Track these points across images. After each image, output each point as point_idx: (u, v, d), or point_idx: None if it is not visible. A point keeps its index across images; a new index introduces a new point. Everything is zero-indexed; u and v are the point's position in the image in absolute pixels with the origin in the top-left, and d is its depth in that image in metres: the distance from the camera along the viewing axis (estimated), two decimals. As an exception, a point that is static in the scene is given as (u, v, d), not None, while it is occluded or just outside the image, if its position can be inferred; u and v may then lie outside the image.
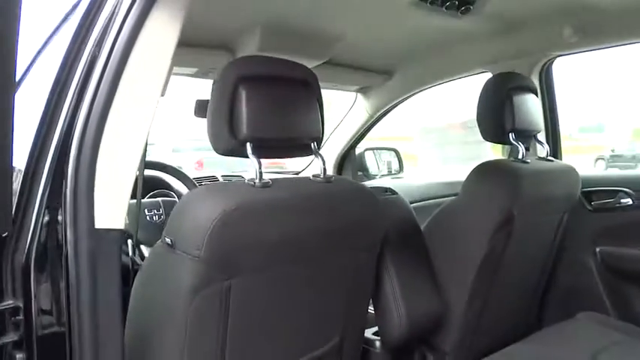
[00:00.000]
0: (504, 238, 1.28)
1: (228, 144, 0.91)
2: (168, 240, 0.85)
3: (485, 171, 1.33)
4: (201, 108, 1.82)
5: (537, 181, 1.32)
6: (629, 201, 1.57)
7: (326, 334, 1.08)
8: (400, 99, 2.15)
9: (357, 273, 1.09)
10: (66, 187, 0.75)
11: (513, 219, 1.26)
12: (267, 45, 1.48)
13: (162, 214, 1.54)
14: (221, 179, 2.16)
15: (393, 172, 2.65)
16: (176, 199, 1.66)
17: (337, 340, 1.09)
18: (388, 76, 2.04)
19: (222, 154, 0.95)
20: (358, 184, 1.06)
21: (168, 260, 0.85)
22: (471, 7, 1.25)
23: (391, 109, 2.25)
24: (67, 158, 0.76)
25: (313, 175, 1.00)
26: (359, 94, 2.24)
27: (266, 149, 0.92)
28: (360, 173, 2.52)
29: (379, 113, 2.24)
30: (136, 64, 0.78)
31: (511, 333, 1.52)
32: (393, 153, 2.70)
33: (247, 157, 0.90)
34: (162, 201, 1.60)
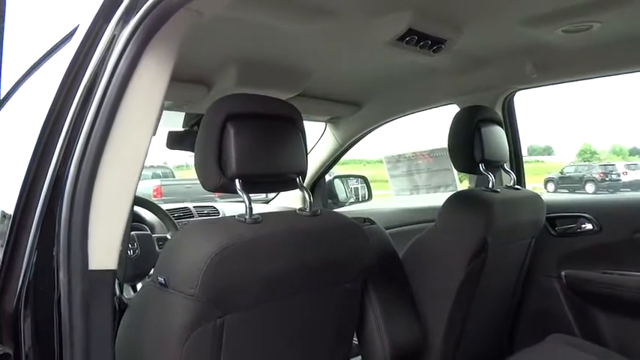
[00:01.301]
0: (479, 265, 1.33)
1: (217, 180, 0.91)
2: (161, 279, 0.84)
3: (459, 201, 1.38)
4: (174, 140, 1.82)
5: (508, 209, 1.39)
6: (589, 226, 1.66)
7: None
8: (369, 129, 2.22)
9: (343, 305, 1.11)
10: (59, 228, 0.74)
11: (487, 247, 1.31)
12: (243, 80, 1.51)
13: (137, 249, 1.51)
14: (193, 210, 2.13)
15: (361, 199, 2.71)
16: (149, 231, 1.63)
17: None
18: (358, 107, 2.10)
19: (211, 191, 0.95)
20: (344, 217, 1.08)
21: (161, 299, 0.84)
22: (442, 47, 1.32)
23: (360, 139, 2.30)
24: (60, 199, 0.74)
25: (299, 209, 1.02)
26: (328, 124, 2.29)
27: (254, 184, 0.94)
28: (329, 201, 2.56)
29: (348, 142, 2.30)
30: (131, 102, 0.78)
31: (486, 358, 1.57)
32: (361, 180, 2.76)
33: (236, 192, 0.92)
34: (136, 235, 1.57)
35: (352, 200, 2.67)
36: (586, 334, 1.61)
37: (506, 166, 1.54)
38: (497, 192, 1.40)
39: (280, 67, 1.55)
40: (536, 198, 1.54)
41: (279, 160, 0.97)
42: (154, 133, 0.84)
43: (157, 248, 1.55)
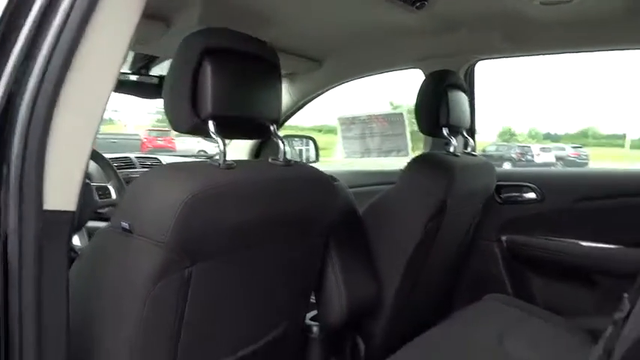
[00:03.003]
0: (436, 226, 1.36)
1: (190, 121, 0.85)
2: (124, 224, 0.77)
3: (423, 162, 1.39)
4: (120, 83, 1.68)
5: (466, 174, 1.42)
6: (533, 195, 1.75)
7: (275, 321, 1.07)
8: (326, 88, 2.17)
9: (307, 258, 1.09)
10: (9, 161, 0.64)
11: (446, 209, 1.34)
12: (205, 18, 1.40)
13: None
14: (135, 160, 2.02)
15: (306, 161, 2.68)
16: (87, 180, 1.52)
17: (284, 326, 1.08)
18: (317, 64, 2.04)
19: (183, 132, 0.88)
20: (317, 170, 1.06)
21: (124, 246, 0.78)
22: (426, 3, 1.30)
23: (316, 97, 2.26)
24: (13, 127, 0.64)
25: (272, 159, 0.98)
26: (284, 79, 2.21)
27: (228, 128, 0.88)
28: (275, 160, 2.51)
29: (303, 101, 2.24)
30: (97, 31, 0.68)
31: (429, 315, 1.63)
32: (310, 142, 2.72)
33: (209, 136, 0.86)
34: None
35: (297, 161, 2.64)
36: (518, 293, 1.72)
37: (465, 133, 1.58)
38: (457, 156, 1.42)
39: (245, 9, 1.46)
40: (490, 166, 1.59)
41: (256, 104, 0.92)
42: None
43: (96, 197, 1.46)
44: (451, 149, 1.42)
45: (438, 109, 1.39)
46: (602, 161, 12.89)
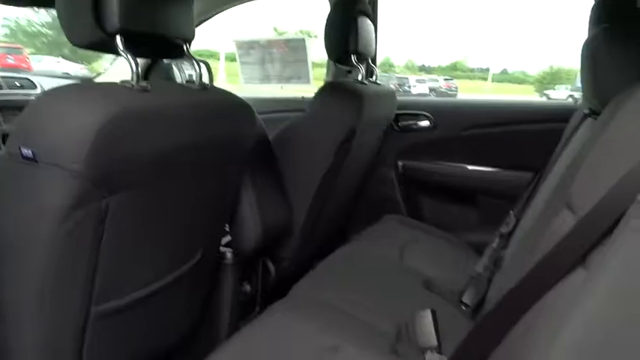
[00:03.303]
0: (344, 153, 1.40)
1: (93, 35, 0.75)
2: (26, 151, 0.67)
3: (332, 90, 1.39)
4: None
5: (373, 101, 1.46)
6: (427, 123, 1.86)
7: (192, 250, 1.04)
8: (223, 7, 2.02)
9: (223, 186, 1.07)
10: None
11: (354, 136, 1.37)
12: None
13: None
14: (0, 80, 1.74)
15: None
16: None
17: (200, 254, 1.07)
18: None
19: (83, 47, 0.78)
20: (234, 95, 1.00)
21: (27, 177, 0.68)
22: None
23: (208, 19, 2.10)
24: None
25: (187, 81, 0.91)
26: None
27: (137, 46, 0.79)
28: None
29: (195, 22, 2.07)
30: None
31: (333, 237, 1.72)
32: (203, 66, 2.57)
33: (116, 52, 0.77)
34: None
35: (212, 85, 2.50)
36: (412, 214, 1.87)
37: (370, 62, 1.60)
38: (365, 84, 1.44)
39: None
40: (393, 94, 1.64)
41: (169, 20, 0.84)
42: None
43: None
44: (359, 77, 1.44)
45: (347, 36, 1.38)
46: (469, 93, 14.05)
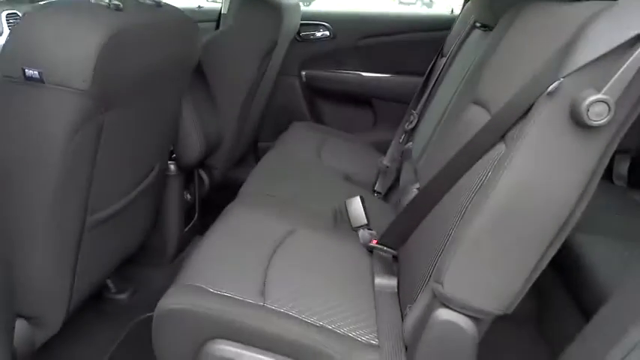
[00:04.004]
0: (267, 62, 1.49)
1: None
2: (31, 73, 0.69)
3: (251, 3, 1.44)
4: None
5: (288, 13, 1.54)
6: (327, 33, 1.99)
7: (153, 163, 1.11)
8: None
9: (176, 101, 1.12)
10: None
11: (275, 47, 1.47)
12: None
13: None
14: None
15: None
16: None
17: (157, 169, 1.14)
18: None
19: None
20: (179, 9, 1.03)
21: (34, 98, 0.70)
22: None
23: None
24: None
25: None
26: None
27: None
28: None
29: None
30: None
31: (249, 144, 1.84)
32: None
33: None
34: None
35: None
36: (316, 119, 2.05)
37: None
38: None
39: None
40: (298, 6, 1.73)
41: None
42: None
43: None
44: None
45: None
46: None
